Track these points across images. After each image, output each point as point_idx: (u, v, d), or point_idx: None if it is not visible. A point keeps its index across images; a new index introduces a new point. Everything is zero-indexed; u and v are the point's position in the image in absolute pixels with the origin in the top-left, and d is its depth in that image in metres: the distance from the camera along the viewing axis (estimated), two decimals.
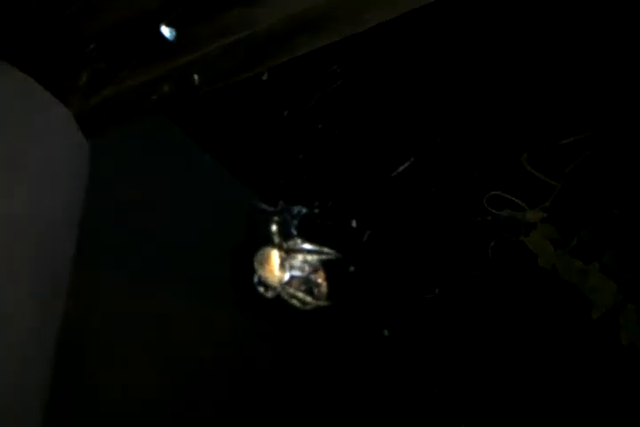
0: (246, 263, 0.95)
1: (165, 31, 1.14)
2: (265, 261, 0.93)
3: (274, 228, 0.94)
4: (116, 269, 1.42)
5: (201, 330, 1.60)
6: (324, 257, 0.93)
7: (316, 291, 0.94)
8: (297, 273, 0.93)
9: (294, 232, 0.95)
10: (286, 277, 0.93)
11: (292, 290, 0.93)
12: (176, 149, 1.66)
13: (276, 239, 0.95)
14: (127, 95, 1.09)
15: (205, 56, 1.04)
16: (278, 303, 0.94)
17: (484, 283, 1.95)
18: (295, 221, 0.94)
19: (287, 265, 0.93)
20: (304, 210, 0.93)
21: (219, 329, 1.65)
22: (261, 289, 0.96)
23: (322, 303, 0.94)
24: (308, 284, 0.94)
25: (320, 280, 0.94)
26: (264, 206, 0.95)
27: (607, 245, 1.88)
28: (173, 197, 1.65)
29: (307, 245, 0.93)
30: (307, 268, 0.93)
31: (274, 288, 0.94)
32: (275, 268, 0.92)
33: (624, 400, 1.84)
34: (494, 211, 1.92)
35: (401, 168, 1.31)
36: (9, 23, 1.04)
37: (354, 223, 0.89)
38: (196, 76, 1.09)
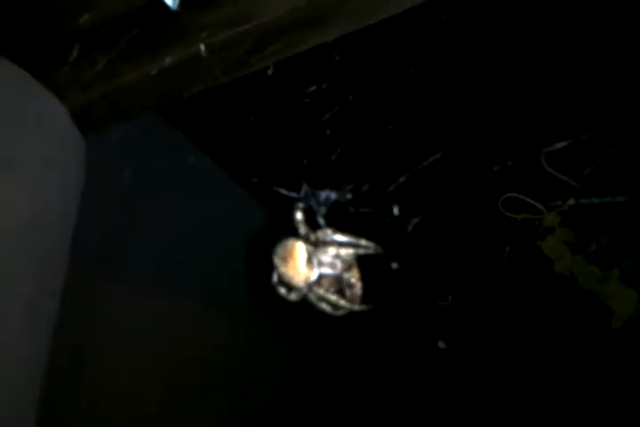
0: (263, 260, 0.75)
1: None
2: (288, 255, 0.71)
3: (298, 215, 0.73)
4: (113, 269, 1.32)
5: (203, 334, 1.47)
6: (360, 251, 0.72)
7: (348, 293, 0.73)
8: (327, 271, 0.72)
9: (322, 222, 0.75)
10: (314, 275, 0.72)
11: (321, 291, 0.72)
12: (174, 148, 1.57)
13: (302, 229, 0.73)
14: (125, 90, 1.01)
15: (208, 48, 0.94)
16: (303, 308, 0.73)
17: (499, 289, 1.81)
18: (323, 209, 0.73)
19: (315, 261, 0.72)
20: (333, 195, 0.73)
21: (225, 333, 1.50)
22: (282, 290, 0.75)
23: (357, 308, 0.73)
24: (339, 284, 0.73)
25: (354, 280, 0.73)
26: (284, 192, 0.75)
27: (627, 251, 1.74)
28: (172, 196, 1.55)
29: (339, 237, 0.72)
30: (339, 264, 0.72)
31: (298, 289, 0.73)
32: (300, 264, 0.71)
33: None
34: (510, 214, 1.79)
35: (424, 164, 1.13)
36: (1, 15, 0.94)
37: (396, 211, 0.69)
38: (198, 71, 0.99)
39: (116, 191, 1.41)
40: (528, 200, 1.78)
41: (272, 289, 0.74)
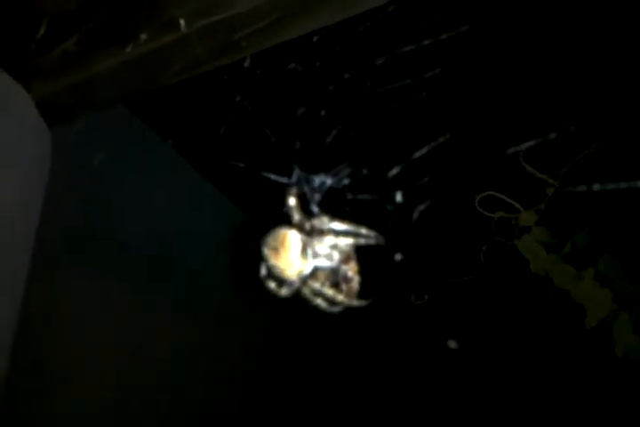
0: (249, 251, 0.66)
1: None
2: (280, 246, 0.62)
3: (292, 201, 0.64)
4: (76, 265, 1.25)
5: (171, 334, 1.38)
6: (360, 241, 0.64)
7: (344, 287, 0.65)
8: (323, 263, 0.64)
9: (316, 211, 0.66)
10: (308, 267, 0.63)
11: (317, 285, 0.63)
12: (141, 140, 1.50)
13: (296, 217, 0.65)
14: (93, 81, 0.95)
15: (182, 39, 0.88)
16: (294, 304, 0.65)
17: (475, 289, 1.76)
18: (317, 196, 0.65)
19: (310, 252, 0.63)
20: (329, 181, 0.64)
21: (194, 333, 1.42)
22: (272, 285, 0.65)
23: (355, 303, 0.65)
24: (335, 277, 0.65)
25: (351, 273, 0.64)
26: (274, 178, 0.66)
27: (602, 251, 1.71)
28: (139, 190, 1.47)
29: (337, 225, 0.64)
30: (336, 256, 0.63)
31: (290, 283, 0.64)
32: (293, 255, 0.62)
33: (616, 412, 1.69)
34: (487, 213, 1.74)
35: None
36: None
37: (399, 197, 0.62)
38: (171, 62, 0.92)
39: (82, 183, 1.34)
40: (505, 199, 1.74)
41: (247, 288, 0.65)
